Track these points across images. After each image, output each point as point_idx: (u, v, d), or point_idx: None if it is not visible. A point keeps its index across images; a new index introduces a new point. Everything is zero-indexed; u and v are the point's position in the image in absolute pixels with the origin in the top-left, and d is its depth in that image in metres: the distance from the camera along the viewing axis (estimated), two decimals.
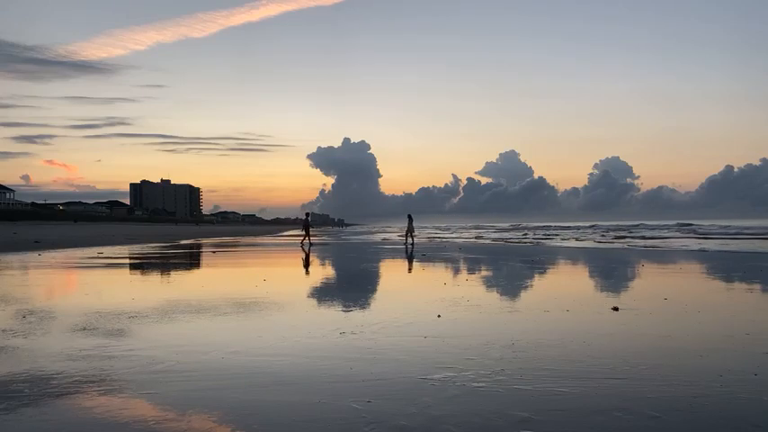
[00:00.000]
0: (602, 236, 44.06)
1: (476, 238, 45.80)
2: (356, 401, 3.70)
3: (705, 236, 39.91)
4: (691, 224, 71.04)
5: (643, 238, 39.06)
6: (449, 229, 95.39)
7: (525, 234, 52.80)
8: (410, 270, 14.94)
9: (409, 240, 30.13)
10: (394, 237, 49.69)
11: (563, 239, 38.20)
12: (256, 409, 3.58)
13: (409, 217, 30.55)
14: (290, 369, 4.50)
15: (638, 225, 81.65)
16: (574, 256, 20.88)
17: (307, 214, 32.23)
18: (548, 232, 55.29)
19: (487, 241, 38.06)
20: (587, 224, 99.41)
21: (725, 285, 10.96)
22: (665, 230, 53.43)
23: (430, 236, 51.17)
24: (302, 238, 30.52)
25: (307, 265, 17.04)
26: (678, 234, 44.56)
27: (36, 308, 7.62)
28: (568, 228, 75.36)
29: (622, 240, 35.31)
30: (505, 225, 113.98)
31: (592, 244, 31.17)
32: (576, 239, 37.93)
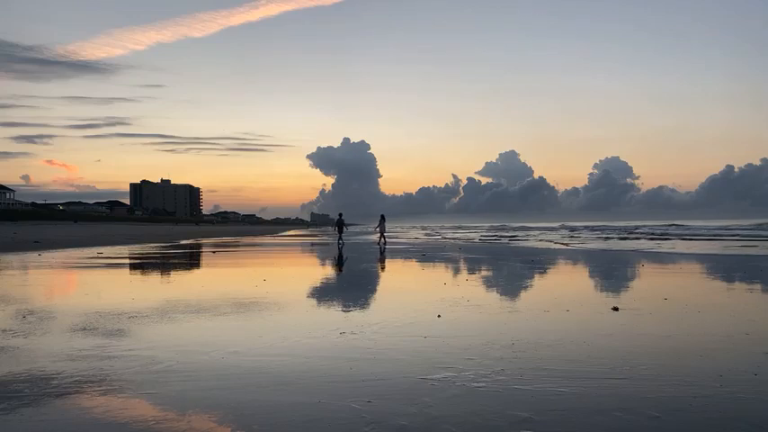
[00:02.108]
0: (562, 236, 46.89)
1: (442, 237, 47.66)
2: (356, 401, 3.70)
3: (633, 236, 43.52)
4: (638, 226, 77.66)
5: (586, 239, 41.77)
6: (432, 229, 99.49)
7: (494, 234, 56.42)
8: (383, 269, 14.95)
9: (381, 240, 31.31)
10: (393, 237, 50.08)
11: (526, 239, 39.85)
12: (256, 409, 3.58)
13: (382, 217, 31.72)
14: (290, 369, 4.50)
15: (599, 226, 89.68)
16: (518, 252, 20.92)
17: (340, 214, 33.48)
18: (519, 233, 58.34)
19: (452, 240, 38.99)
20: (557, 224, 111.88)
21: (724, 286, 10.96)
22: (608, 231, 58.79)
23: (398, 235, 53.14)
24: (337, 237, 32.19)
25: (340, 264, 17.19)
26: (614, 235, 47.81)
27: (36, 308, 7.62)
28: (542, 228, 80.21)
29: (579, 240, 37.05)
30: (486, 225, 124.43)
31: (541, 243, 32.34)
32: (536, 239, 39.52)
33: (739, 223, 79.64)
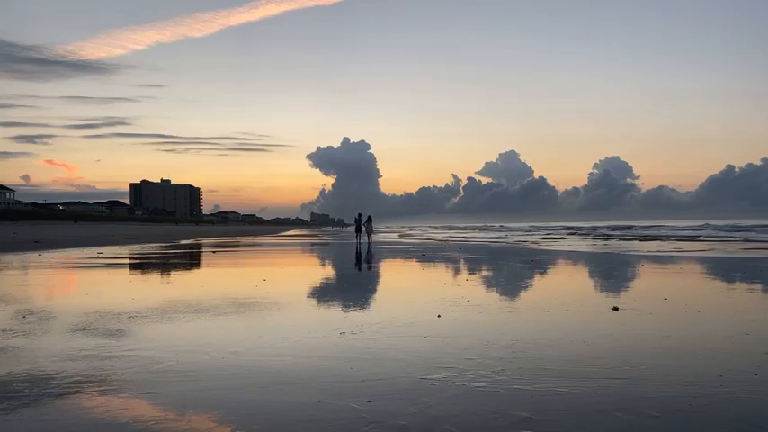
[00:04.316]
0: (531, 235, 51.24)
1: (412, 238, 48.52)
2: (356, 401, 3.70)
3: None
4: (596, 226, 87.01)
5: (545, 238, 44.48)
6: (420, 229, 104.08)
7: (461, 235, 59.72)
8: (370, 268, 14.96)
9: (364, 239, 34.62)
10: (393, 237, 50.19)
11: (500, 240, 41.62)
12: (256, 409, 3.58)
13: (369, 218, 34.77)
14: (290, 369, 4.50)
15: (575, 227, 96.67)
16: (487, 250, 20.95)
17: (359, 215, 34.64)
18: (500, 233, 62.76)
19: (433, 240, 39.46)
20: (527, 225, 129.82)
21: (724, 286, 10.95)
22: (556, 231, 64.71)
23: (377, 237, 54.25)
24: (357, 237, 34.38)
25: (358, 263, 17.40)
26: (564, 235, 51.43)
27: (36, 308, 7.62)
28: (520, 229, 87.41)
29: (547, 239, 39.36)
30: (471, 225, 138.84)
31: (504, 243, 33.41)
32: (505, 240, 41.02)
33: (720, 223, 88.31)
